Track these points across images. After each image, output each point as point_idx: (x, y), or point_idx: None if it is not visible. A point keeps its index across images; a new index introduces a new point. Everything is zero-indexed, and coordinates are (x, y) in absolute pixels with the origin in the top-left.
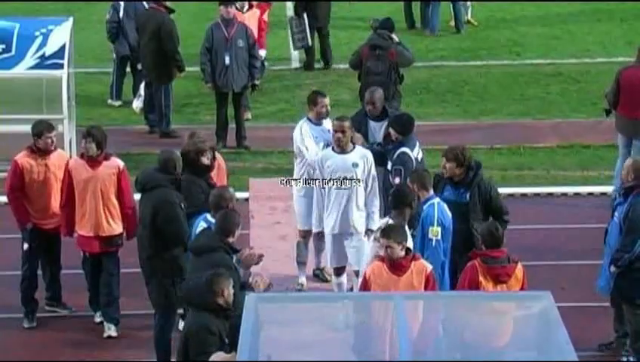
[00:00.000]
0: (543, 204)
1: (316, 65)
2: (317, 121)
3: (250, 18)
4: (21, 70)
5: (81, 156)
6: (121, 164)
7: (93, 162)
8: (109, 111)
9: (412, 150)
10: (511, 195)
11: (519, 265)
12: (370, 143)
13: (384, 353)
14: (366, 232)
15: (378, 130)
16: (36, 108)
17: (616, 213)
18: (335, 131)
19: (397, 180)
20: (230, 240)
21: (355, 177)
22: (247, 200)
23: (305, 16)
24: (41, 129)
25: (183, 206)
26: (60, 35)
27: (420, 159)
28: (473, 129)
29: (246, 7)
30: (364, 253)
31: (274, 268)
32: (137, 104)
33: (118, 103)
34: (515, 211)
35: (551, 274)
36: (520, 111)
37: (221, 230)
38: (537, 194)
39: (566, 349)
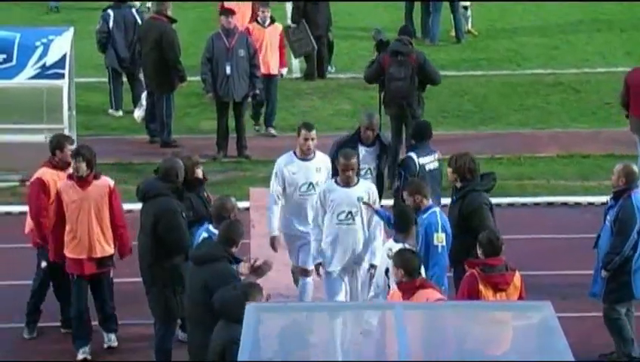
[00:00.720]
0: (543, 213)
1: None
2: (302, 156)
3: (272, 33)
4: (22, 80)
5: (70, 177)
6: (111, 182)
7: (83, 182)
8: (110, 121)
9: (420, 157)
10: (511, 205)
11: (517, 273)
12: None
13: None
14: (369, 268)
15: (370, 155)
16: (37, 117)
17: (607, 217)
18: (343, 171)
19: (396, 184)
20: (233, 250)
21: (359, 211)
22: (247, 209)
23: (304, 22)
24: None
25: (184, 215)
26: (61, 44)
27: (431, 169)
28: (473, 139)
29: (268, 21)
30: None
31: (274, 278)
32: (139, 113)
33: (119, 114)
34: (515, 221)
35: (551, 283)
36: (520, 121)
37: (225, 240)
38: (537, 204)
39: (566, 359)
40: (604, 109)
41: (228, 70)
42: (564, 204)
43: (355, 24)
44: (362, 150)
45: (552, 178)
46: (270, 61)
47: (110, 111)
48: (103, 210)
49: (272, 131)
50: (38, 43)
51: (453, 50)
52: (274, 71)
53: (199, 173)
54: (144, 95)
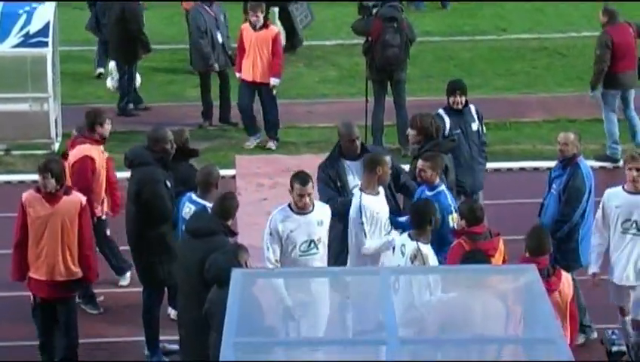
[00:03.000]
0: (530, 178)
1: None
2: (299, 210)
3: (262, 37)
4: (5, 48)
5: (37, 190)
6: (83, 199)
7: (51, 197)
8: (95, 89)
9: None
10: (497, 170)
11: (499, 237)
12: (350, 190)
13: (367, 327)
14: None
15: (357, 171)
16: (21, 86)
17: (554, 185)
18: (300, 197)
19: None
20: (229, 223)
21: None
22: (233, 177)
23: None
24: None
25: (169, 184)
26: (44, 13)
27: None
28: None
29: (260, 23)
30: None
31: (260, 245)
32: (111, 83)
33: (98, 71)
34: (501, 185)
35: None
36: (506, 86)
37: (221, 212)
38: (523, 169)
39: (551, 323)
40: (590, 74)
41: (219, 38)
42: (550, 168)
43: None
44: (348, 165)
45: (538, 143)
46: (258, 67)
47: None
48: (72, 229)
49: (271, 144)
50: (21, 11)
51: (439, 16)
52: (262, 79)
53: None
54: (112, 64)
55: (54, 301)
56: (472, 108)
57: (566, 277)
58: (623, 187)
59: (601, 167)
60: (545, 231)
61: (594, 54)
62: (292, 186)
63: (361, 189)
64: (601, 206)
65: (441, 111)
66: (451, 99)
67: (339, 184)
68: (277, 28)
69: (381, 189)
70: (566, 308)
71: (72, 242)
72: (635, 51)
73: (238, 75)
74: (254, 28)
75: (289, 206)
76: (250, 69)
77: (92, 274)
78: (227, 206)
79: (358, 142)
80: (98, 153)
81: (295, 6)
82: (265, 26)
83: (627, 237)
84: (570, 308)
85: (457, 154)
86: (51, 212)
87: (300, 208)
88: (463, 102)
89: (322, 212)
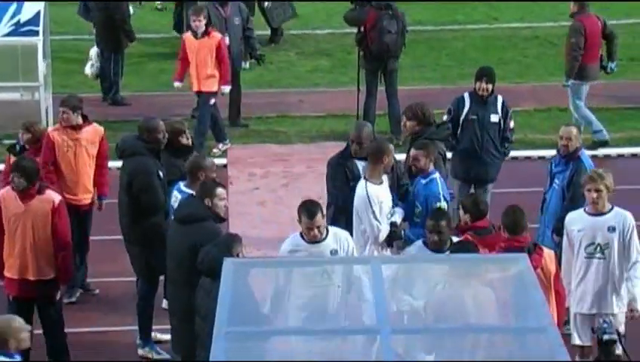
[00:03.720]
0: (521, 167)
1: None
2: (311, 240)
3: (206, 45)
4: None
5: (13, 187)
6: (57, 198)
7: (24, 195)
8: (87, 79)
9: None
10: None
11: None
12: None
13: (358, 317)
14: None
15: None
16: (12, 75)
17: (556, 180)
18: (308, 229)
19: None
20: (213, 201)
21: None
22: (225, 166)
23: None
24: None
25: (161, 175)
26: (35, 2)
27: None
28: (452, 93)
29: (201, 29)
30: None
31: (252, 234)
32: (90, 70)
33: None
34: None
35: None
36: (498, 75)
37: (202, 193)
38: (515, 158)
39: (542, 312)
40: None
41: (226, 41)
42: (541, 157)
43: None
44: (359, 165)
45: (529, 132)
46: (201, 78)
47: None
48: (44, 228)
49: (220, 148)
50: (11, 1)
51: (431, 5)
52: (205, 88)
53: (183, 140)
54: (93, 51)
55: (30, 300)
56: (499, 100)
57: (548, 254)
58: (585, 209)
59: (541, 157)
60: (520, 209)
61: (567, 42)
62: (300, 217)
63: (365, 178)
64: (565, 231)
65: (465, 94)
66: (477, 85)
67: (351, 181)
68: (220, 35)
69: (385, 178)
70: (549, 283)
71: (43, 241)
72: (600, 44)
73: (176, 83)
74: (196, 36)
75: (300, 234)
76: (195, 79)
77: (64, 275)
78: (208, 191)
79: (360, 147)
80: (60, 137)
81: (270, 3)
82: (207, 33)
83: (593, 261)
84: (554, 285)
85: (462, 140)
86: (24, 210)
87: (311, 238)
88: (489, 90)
89: (337, 240)
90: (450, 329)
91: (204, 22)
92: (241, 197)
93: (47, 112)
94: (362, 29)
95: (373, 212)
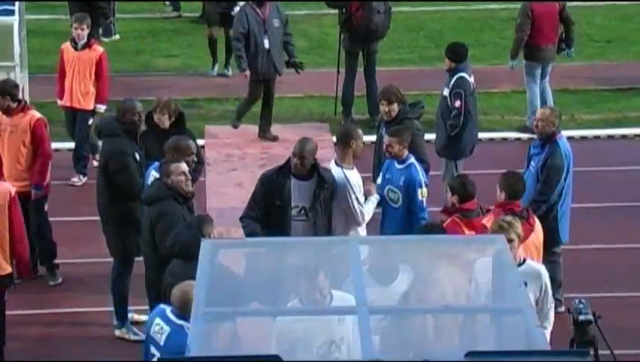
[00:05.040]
0: (498, 148)
1: None
2: (296, 173)
3: (85, 58)
4: None
5: None
6: (12, 189)
7: None
8: None
9: (469, 76)
10: None
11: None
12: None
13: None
14: None
15: (304, 192)
16: None
17: (532, 163)
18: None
19: (457, 103)
20: (178, 179)
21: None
22: (203, 147)
23: None
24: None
25: (137, 156)
26: None
27: (474, 85)
28: (429, 75)
29: (83, 40)
30: None
31: (230, 215)
32: None
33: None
34: (470, 156)
35: None
36: (475, 56)
37: (166, 173)
38: (492, 139)
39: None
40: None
41: (266, 44)
42: (518, 139)
43: None
44: (295, 183)
45: (506, 113)
46: (76, 92)
47: None
48: (2, 221)
49: (75, 179)
50: None
51: None
52: (82, 105)
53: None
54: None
55: None
56: (456, 77)
57: (534, 218)
58: None
59: (517, 139)
60: (518, 175)
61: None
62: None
63: (338, 164)
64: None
65: (464, 74)
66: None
67: (277, 203)
68: (102, 48)
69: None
70: (541, 246)
71: (0, 235)
72: (557, 27)
73: (59, 102)
74: (76, 47)
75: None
76: (68, 94)
77: (23, 268)
78: (164, 166)
79: (302, 163)
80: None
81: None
82: (88, 45)
83: None
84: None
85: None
86: None
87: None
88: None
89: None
90: (427, 310)
91: (86, 32)
92: (219, 178)
93: (22, 92)
94: (347, 9)
95: (357, 198)
